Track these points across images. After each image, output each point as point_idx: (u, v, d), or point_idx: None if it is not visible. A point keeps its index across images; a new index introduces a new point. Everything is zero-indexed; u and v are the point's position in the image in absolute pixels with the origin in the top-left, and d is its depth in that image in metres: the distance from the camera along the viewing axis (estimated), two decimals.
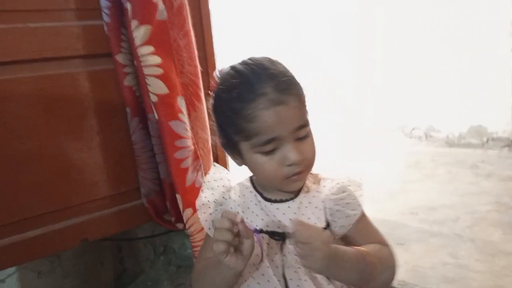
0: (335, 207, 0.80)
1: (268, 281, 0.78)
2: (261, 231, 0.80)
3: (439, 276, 0.96)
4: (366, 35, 2.92)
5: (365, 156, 2.41)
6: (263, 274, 0.79)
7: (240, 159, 0.81)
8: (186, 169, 1.23)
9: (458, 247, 1.10)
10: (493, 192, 1.62)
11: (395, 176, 2.00)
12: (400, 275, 0.98)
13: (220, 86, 0.79)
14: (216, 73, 0.82)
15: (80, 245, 1.32)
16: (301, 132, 0.75)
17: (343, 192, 0.80)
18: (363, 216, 0.82)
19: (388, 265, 0.80)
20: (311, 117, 0.78)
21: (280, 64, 0.78)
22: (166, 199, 1.36)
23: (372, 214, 1.44)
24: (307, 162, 0.77)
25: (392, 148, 2.56)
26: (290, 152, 0.74)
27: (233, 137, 0.78)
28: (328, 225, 0.80)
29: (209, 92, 0.83)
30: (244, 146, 0.77)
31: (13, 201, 1.18)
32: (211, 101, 0.82)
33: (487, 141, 2.45)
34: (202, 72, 1.34)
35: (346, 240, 0.82)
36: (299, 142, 0.75)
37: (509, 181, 1.75)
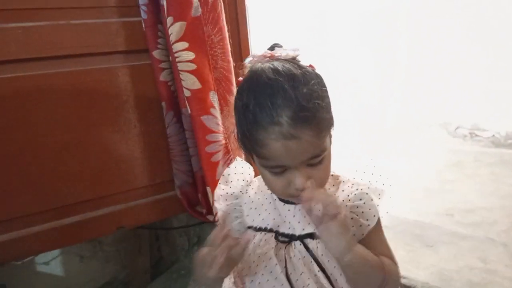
0: (350, 214, 0.77)
1: (276, 278, 0.78)
2: (270, 230, 0.82)
3: (464, 280, 0.94)
4: (398, 29, 2.84)
5: (406, 154, 2.35)
6: (271, 272, 0.79)
7: (254, 163, 0.81)
8: (217, 163, 1.26)
9: (488, 251, 1.07)
10: None
11: (435, 175, 1.94)
12: (425, 277, 0.96)
13: (240, 95, 0.75)
14: (247, 62, 0.79)
15: (116, 232, 1.38)
16: (314, 160, 0.72)
17: (360, 199, 0.77)
18: (377, 228, 0.78)
19: (393, 279, 0.77)
20: (327, 139, 0.74)
21: (306, 86, 0.70)
22: (198, 191, 1.39)
23: (406, 214, 1.42)
24: (318, 185, 0.74)
25: (434, 147, 2.49)
26: (297, 179, 0.71)
27: (247, 146, 0.76)
28: None
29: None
30: (255, 158, 0.76)
31: (54, 189, 1.25)
32: (234, 98, 0.79)
33: None
34: (235, 67, 1.36)
35: None
36: (310, 168, 0.72)
37: None
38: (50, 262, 1.73)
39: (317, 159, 0.72)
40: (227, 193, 0.89)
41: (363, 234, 0.77)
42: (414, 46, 2.83)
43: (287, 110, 0.67)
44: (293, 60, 0.76)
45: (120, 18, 1.28)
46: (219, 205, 0.89)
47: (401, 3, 2.86)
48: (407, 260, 1.05)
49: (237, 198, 0.89)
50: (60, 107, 1.22)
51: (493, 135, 2.52)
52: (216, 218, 1.23)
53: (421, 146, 2.53)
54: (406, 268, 1.01)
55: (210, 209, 1.33)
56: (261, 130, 0.69)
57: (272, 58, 0.76)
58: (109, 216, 1.33)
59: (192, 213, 1.43)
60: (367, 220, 0.76)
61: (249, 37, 1.52)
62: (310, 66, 0.77)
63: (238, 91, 0.78)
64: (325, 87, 0.74)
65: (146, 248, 1.79)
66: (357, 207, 0.77)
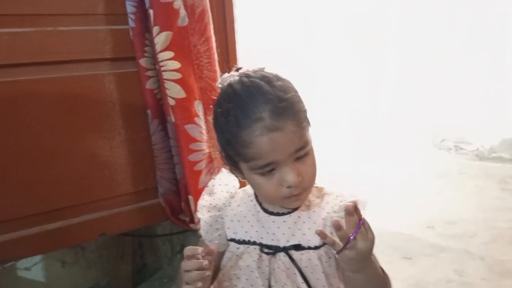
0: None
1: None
2: (253, 242, 0.82)
3: None
4: (385, 41, 2.88)
5: (391, 164, 2.38)
6: (252, 285, 0.80)
7: (241, 176, 0.82)
8: (200, 172, 1.27)
9: (466, 264, 1.08)
10: None
11: (420, 186, 1.97)
12: None
13: (218, 108, 0.78)
14: (218, 85, 0.82)
15: (99, 239, 1.38)
16: (300, 153, 0.74)
17: (344, 211, 0.79)
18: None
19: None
20: (312, 132, 0.77)
21: (279, 81, 0.75)
22: (182, 199, 1.39)
23: (388, 225, 1.43)
24: (306, 184, 0.76)
25: (420, 158, 2.52)
26: (288, 175, 0.73)
27: (233, 157, 0.78)
28: (324, 243, 0.79)
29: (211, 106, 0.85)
30: (243, 166, 0.77)
31: (38, 195, 1.24)
32: (212, 117, 0.82)
33: None
34: None
35: None
36: (298, 162, 0.75)
37: None
38: (32, 268, 1.71)
39: (303, 151, 0.74)
40: (210, 204, 0.90)
41: None
42: (404, 52, 2.86)
43: (266, 105, 0.71)
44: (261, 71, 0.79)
45: (108, 25, 1.29)
46: (202, 216, 0.90)
47: (390, 8, 2.89)
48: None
49: (219, 210, 0.89)
50: (46, 113, 1.22)
51: (477, 149, 2.55)
52: (198, 227, 1.24)
53: (406, 157, 2.56)
54: None
55: (192, 218, 1.33)
56: (245, 130, 0.72)
57: (240, 74, 0.79)
58: (91, 222, 1.33)
59: (175, 221, 1.43)
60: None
61: (236, 47, 1.54)
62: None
63: (215, 106, 0.80)
64: (296, 89, 0.78)
65: (129, 255, 1.78)
66: (342, 218, 0.78)
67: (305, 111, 0.76)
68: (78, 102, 1.27)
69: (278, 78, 0.76)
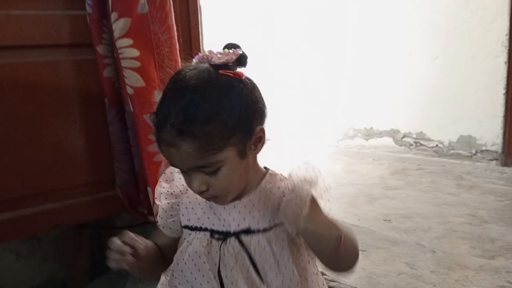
0: (283, 208, 0.76)
1: (203, 275, 0.80)
2: (205, 229, 0.82)
3: (391, 285, 0.97)
4: (344, 38, 2.91)
5: (353, 160, 2.41)
6: (199, 270, 0.80)
7: None
8: (159, 163, 1.25)
9: (417, 257, 1.11)
10: (471, 204, 1.62)
11: (379, 181, 2.00)
12: (354, 281, 0.99)
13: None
14: (194, 59, 0.78)
15: (55, 231, 1.34)
16: (204, 170, 0.73)
17: (292, 191, 0.76)
18: (312, 213, 0.76)
19: (353, 240, 0.78)
20: (224, 154, 0.72)
21: (200, 93, 0.71)
22: (140, 191, 1.37)
23: (346, 219, 1.46)
24: (215, 193, 0.76)
25: (381, 155, 2.57)
26: (192, 182, 0.75)
27: None
28: (275, 225, 0.80)
29: None
30: None
31: None
32: None
33: (476, 153, 2.45)
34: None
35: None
36: (207, 175, 0.74)
37: (490, 195, 1.75)
38: None
39: (206, 169, 0.73)
40: (167, 191, 0.89)
41: None
42: (362, 48, 2.90)
43: (170, 118, 0.70)
44: (219, 66, 0.74)
45: (65, 10, 1.25)
46: (159, 203, 0.90)
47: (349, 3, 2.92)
48: None
49: (176, 198, 0.89)
50: None
51: (437, 145, 2.62)
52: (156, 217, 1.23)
53: (367, 152, 2.60)
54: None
55: (151, 210, 1.31)
56: (156, 133, 0.73)
57: (207, 59, 0.76)
58: (45, 213, 1.29)
59: (133, 213, 1.41)
60: (300, 209, 0.78)
61: (201, 37, 1.52)
62: (236, 74, 0.75)
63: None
64: (229, 100, 0.72)
65: (86, 247, 1.74)
66: (291, 200, 0.78)
67: (216, 134, 0.71)
68: (32, 89, 1.23)
69: (196, 94, 0.70)
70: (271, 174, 0.85)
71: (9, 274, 1.71)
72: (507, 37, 2.29)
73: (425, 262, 1.08)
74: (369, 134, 2.81)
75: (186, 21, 1.46)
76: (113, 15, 1.17)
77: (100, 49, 1.26)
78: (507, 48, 2.30)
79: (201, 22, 1.56)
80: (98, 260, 1.86)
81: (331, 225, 0.75)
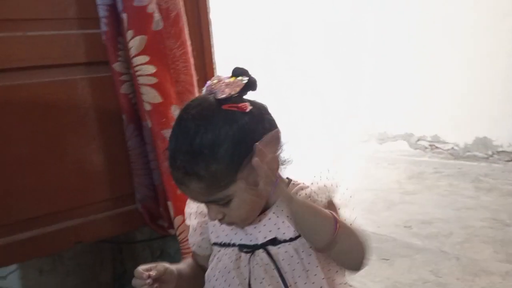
0: None
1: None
2: (233, 244, 0.83)
3: None
4: (361, 45, 2.91)
5: (368, 164, 2.40)
6: (230, 285, 0.81)
7: None
8: None
9: (441, 264, 1.10)
10: (491, 207, 1.60)
11: (396, 186, 1.99)
12: None
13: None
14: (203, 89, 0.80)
15: (75, 247, 1.35)
16: (216, 203, 0.75)
17: (308, 197, 0.79)
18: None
19: (355, 235, 0.78)
20: (232, 188, 0.73)
21: (203, 133, 0.71)
22: (160, 205, 1.38)
23: (365, 226, 1.45)
24: (232, 220, 0.78)
25: (396, 159, 2.55)
26: (208, 212, 0.78)
27: None
28: (297, 237, 0.80)
29: None
30: None
31: (12, 203, 1.21)
32: None
33: (492, 154, 2.42)
34: (198, 80, 1.37)
35: None
36: (220, 206, 0.76)
37: (510, 197, 1.73)
38: (7, 277, 1.67)
39: (219, 202, 0.75)
40: (195, 211, 0.92)
41: None
42: (379, 56, 2.90)
43: (178, 159, 0.73)
44: (223, 100, 0.75)
45: (80, 30, 1.27)
46: (189, 222, 0.92)
47: (368, 17, 2.93)
48: (363, 274, 1.07)
49: (205, 216, 0.90)
50: (17, 120, 1.19)
51: (452, 147, 2.60)
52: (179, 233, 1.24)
53: (384, 157, 2.59)
54: (362, 282, 1.02)
55: (171, 223, 1.32)
56: (169, 167, 0.76)
57: (212, 91, 0.76)
58: (66, 230, 1.30)
59: (154, 227, 1.42)
60: None
61: (212, 51, 1.53)
62: (240, 108, 0.75)
63: None
64: (233, 136, 0.72)
65: (108, 262, 1.76)
66: None
67: (221, 171, 0.71)
68: (51, 108, 1.25)
69: (198, 134, 0.71)
70: (293, 184, 0.85)
71: None
72: None
73: (450, 269, 1.07)
74: (383, 138, 2.80)
75: (199, 35, 1.46)
76: (129, 33, 1.18)
77: (116, 66, 1.28)
78: None
79: (212, 36, 1.57)
80: (119, 274, 1.88)
81: (326, 213, 0.75)
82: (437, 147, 2.65)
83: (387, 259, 1.16)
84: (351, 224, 0.79)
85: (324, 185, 0.82)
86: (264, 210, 0.82)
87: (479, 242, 1.26)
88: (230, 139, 0.72)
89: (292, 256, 0.80)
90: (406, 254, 1.18)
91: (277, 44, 2.71)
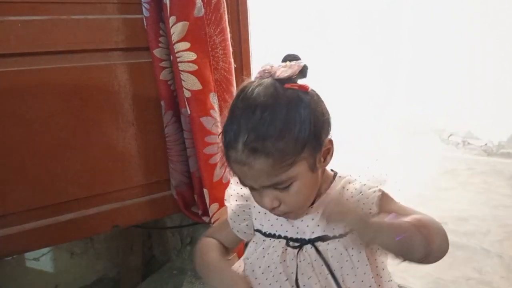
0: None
1: (280, 286, 0.79)
2: (279, 236, 0.82)
3: None
4: (399, 36, 2.85)
5: (400, 159, 2.37)
6: (276, 281, 0.80)
7: None
8: (215, 165, 1.26)
9: (484, 262, 1.08)
10: None
11: (429, 182, 1.96)
12: (421, 286, 0.97)
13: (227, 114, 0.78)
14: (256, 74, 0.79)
15: (111, 231, 1.37)
16: (276, 186, 0.73)
17: (360, 193, 0.79)
18: (386, 203, 0.79)
19: (436, 227, 0.77)
20: (296, 169, 0.72)
21: (270, 109, 0.70)
22: (195, 192, 1.38)
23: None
24: (287, 209, 0.76)
25: (428, 153, 2.51)
26: (263, 199, 0.75)
27: None
28: (351, 230, 0.78)
29: None
30: None
31: (49, 186, 1.23)
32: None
33: None
34: (236, 69, 1.36)
35: None
36: (278, 191, 0.74)
37: None
38: (40, 258, 1.71)
39: (279, 185, 0.72)
40: (237, 193, 0.90)
41: None
42: (416, 48, 2.84)
43: (243, 136, 0.70)
44: (283, 80, 0.74)
45: (122, 14, 1.27)
46: (229, 204, 0.91)
47: (404, 3, 2.86)
48: (403, 269, 1.05)
49: (247, 200, 0.89)
50: (58, 104, 1.21)
51: (486, 144, 2.54)
52: (214, 220, 1.24)
53: (414, 152, 2.55)
54: (402, 277, 1.01)
55: (206, 211, 1.32)
56: (226, 151, 0.74)
57: (269, 74, 0.75)
58: (104, 214, 1.32)
59: (188, 214, 1.43)
60: (370, 209, 0.78)
61: (250, 38, 1.52)
62: (302, 87, 0.75)
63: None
64: (298, 114, 0.72)
65: (138, 246, 1.78)
66: (358, 200, 0.78)
67: (288, 150, 0.70)
68: (91, 93, 1.26)
69: (267, 111, 0.70)
70: (339, 177, 0.84)
71: (64, 273, 1.76)
72: None
73: (493, 267, 1.05)
74: (414, 132, 2.74)
75: (236, 22, 1.45)
76: (172, 19, 1.18)
77: (157, 52, 1.28)
78: None
79: (249, 22, 1.55)
80: (148, 259, 1.90)
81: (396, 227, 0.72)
82: (469, 143, 2.60)
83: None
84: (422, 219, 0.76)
85: (373, 176, 0.81)
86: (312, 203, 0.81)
87: None
88: (297, 116, 0.71)
89: (341, 254, 0.79)
90: None
91: (314, 31, 2.68)
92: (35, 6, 1.15)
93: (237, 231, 0.90)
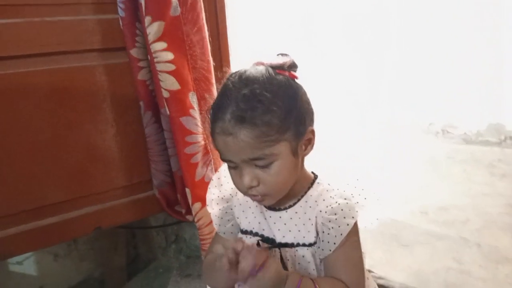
0: (322, 227, 0.79)
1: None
2: (255, 234, 0.83)
3: (441, 281, 0.96)
4: (379, 27, 2.87)
5: (379, 150, 2.39)
6: None
7: None
8: (196, 164, 1.26)
9: (463, 251, 1.10)
10: (506, 193, 1.60)
11: (409, 172, 1.98)
12: (402, 278, 0.99)
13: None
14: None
15: (94, 233, 1.36)
16: (257, 162, 0.73)
17: (334, 214, 0.78)
18: (344, 247, 0.78)
19: None
20: (279, 147, 0.73)
21: (258, 84, 0.73)
22: (177, 191, 1.38)
23: (382, 212, 1.45)
24: (264, 190, 0.76)
25: (407, 143, 2.54)
26: (243, 177, 0.75)
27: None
28: (315, 242, 0.80)
29: None
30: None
31: (31, 190, 1.22)
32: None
33: (505, 139, 2.41)
34: (215, 67, 1.35)
35: (323, 262, 0.81)
36: (259, 169, 0.74)
37: None
38: (23, 262, 1.69)
39: (260, 161, 0.73)
40: (218, 196, 0.91)
41: (330, 250, 0.78)
42: (401, 47, 2.85)
43: (231, 107, 0.72)
44: (276, 66, 0.77)
45: (96, 15, 1.26)
46: (211, 210, 0.90)
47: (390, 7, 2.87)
48: (385, 262, 1.08)
49: (228, 202, 0.90)
50: (35, 106, 1.20)
51: (465, 133, 2.59)
52: (208, 222, 1.24)
53: (395, 142, 2.58)
54: (384, 270, 1.03)
55: (189, 209, 1.32)
56: (213, 124, 0.75)
57: (262, 63, 0.78)
58: (86, 217, 1.31)
59: (171, 213, 1.43)
60: (335, 236, 0.77)
61: (228, 36, 1.51)
62: (292, 75, 0.78)
63: None
64: (287, 96, 0.74)
65: (122, 246, 1.77)
66: (329, 221, 0.78)
67: (273, 125, 0.72)
68: (68, 94, 1.24)
69: (254, 84, 0.73)
70: (318, 183, 0.84)
71: (48, 275, 1.75)
72: None
73: (472, 257, 1.07)
74: (397, 126, 2.76)
75: (214, 20, 1.45)
76: (147, 19, 1.17)
77: (134, 52, 1.27)
78: None
79: (226, 20, 1.55)
80: (132, 258, 1.90)
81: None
82: (449, 132, 2.64)
83: (407, 246, 1.16)
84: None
85: (349, 204, 0.79)
86: (290, 197, 0.82)
87: (497, 229, 1.26)
88: (286, 97, 0.74)
89: (309, 262, 0.80)
90: (426, 241, 1.18)
91: (298, 33, 2.68)
92: (7, 9, 1.13)
93: (224, 233, 0.91)
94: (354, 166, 1.95)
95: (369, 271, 0.97)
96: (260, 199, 0.78)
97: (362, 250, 0.83)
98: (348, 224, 0.77)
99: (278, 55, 0.79)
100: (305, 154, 0.81)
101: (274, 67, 0.77)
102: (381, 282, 0.97)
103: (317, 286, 0.75)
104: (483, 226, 1.29)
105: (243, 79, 0.74)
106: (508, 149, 2.37)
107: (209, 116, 0.78)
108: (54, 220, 1.27)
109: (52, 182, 1.25)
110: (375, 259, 1.03)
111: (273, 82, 0.74)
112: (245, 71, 0.76)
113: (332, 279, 0.78)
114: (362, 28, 2.91)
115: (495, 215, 1.39)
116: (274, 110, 0.72)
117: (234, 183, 0.79)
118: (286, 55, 0.79)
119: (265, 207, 0.84)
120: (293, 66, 0.78)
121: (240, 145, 0.71)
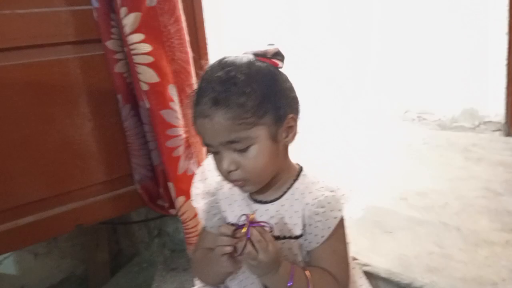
0: (309, 220, 0.79)
1: (243, 272, 0.82)
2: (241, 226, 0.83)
3: (423, 265, 0.98)
4: (361, 18, 2.89)
5: (358, 138, 2.42)
6: (244, 271, 0.82)
7: None
8: (178, 158, 1.24)
9: (443, 235, 1.12)
10: (482, 177, 1.63)
11: (387, 159, 2.01)
12: (386, 263, 1.00)
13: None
14: None
15: (75, 230, 1.34)
16: (234, 146, 0.74)
17: (322, 207, 0.78)
18: (332, 238, 0.79)
19: None
20: (256, 131, 0.74)
21: (234, 68, 0.74)
22: (159, 185, 1.37)
23: (363, 199, 1.47)
24: (244, 175, 0.76)
25: (384, 131, 2.57)
26: (222, 162, 0.76)
27: None
28: (302, 234, 0.80)
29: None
30: None
31: (7, 189, 1.19)
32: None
33: (479, 124, 2.46)
34: (194, 58, 1.34)
35: (310, 254, 0.82)
36: (237, 153, 0.75)
37: (499, 166, 1.77)
38: (3, 262, 1.66)
39: (237, 144, 0.73)
40: (203, 191, 0.90)
41: (317, 243, 0.79)
42: (385, 38, 2.88)
43: (209, 91, 0.73)
44: (258, 54, 0.78)
45: (70, 6, 1.23)
46: (197, 204, 0.90)
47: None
48: (369, 248, 1.09)
49: (213, 195, 0.89)
50: (9, 102, 1.16)
51: (439, 119, 2.63)
52: (192, 215, 1.23)
53: (372, 130, 2.61)
54: (369, 256, 1.04)
55: (172, 203, 1.31)
56: (193, 108, 0.77)
57: (247, 52, 0.79)
58: (66, 214, 1.29)
59: (153, 208, 1.41)
60: (322, 229, 0.78)
61: (205, 25, 1.49)
62: (272, 62, 0.79)
63: None
64: (264, 81, 0.75)
65: (104, 242, 1.75)
66: (317, 214, 0.78)
67: (248, 108, 0.72)
68: (43, 89, 1.21)
69: (230, 68, 0.74)
70: (303, 175, 0.85)
71: (29, 274, 1.72)
72: (508, 7, 2.28)
73: (452, 241, 1.09)
74: (378, 116, 2.80)
75: (191, 10, 1.43)
76: (123, 10, 1.14)
77: (109, 44, 1.24)
78: (508, 19, 2.29)
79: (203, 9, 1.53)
80: (114, 253, 1.88)
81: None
82: (424, 119, 2.69)
83: (390, 232, 1.18)
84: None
85: (336, 196, 0.80)
86: (276, 189, 0.82)
87: (475, 213, 1.29)
88: (264, 80, 0.75)
89: (295, 254, 0.81)
90: (408, 227, 1.20)
91: (283, 23, 2.67)
92: None
93: (211, 227, 0.89)
94: (338, 154, 1.97)
95: (354, 258, 0.99)
96: (241, 184, 0.78)
97: (347, 241, 0.84)
98: (335, 217, 0.78)
99: (267, 45, 0.80)
100: (287, 142, 0.80)
101: (256, 55, 0.78)
102: (366, 269, 0.99)
103: (307, 274, 0.76)
104: (461, 210, 1.32)
105: (222, 63, 0.76)
106: (482, 134, 2.42)
107: (192, 99, 0.79)
108: (33, 219, 1.24)
109: (29, 180, 1.22)
110: (359, 245, 1.05)
111: (251, 67, 0.75)
112: (225, 57, 0.77)
113: (320, 269, 0.79)
114: (346, 18, 2.92)
115: (473, 199, 1.42)
116: (249, 93, 0.72)
117: (217, 169, 0.79)
118: (272, 45, 0.80)
119: (251, 199, 0.84)
120: (277, 55, 0.79)
121: (215, 127, 0.73)
